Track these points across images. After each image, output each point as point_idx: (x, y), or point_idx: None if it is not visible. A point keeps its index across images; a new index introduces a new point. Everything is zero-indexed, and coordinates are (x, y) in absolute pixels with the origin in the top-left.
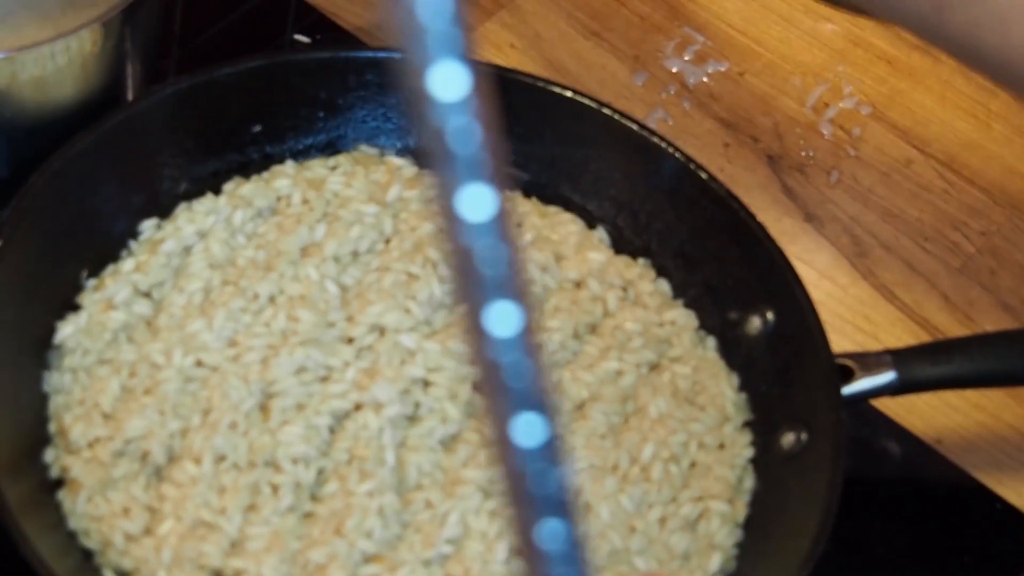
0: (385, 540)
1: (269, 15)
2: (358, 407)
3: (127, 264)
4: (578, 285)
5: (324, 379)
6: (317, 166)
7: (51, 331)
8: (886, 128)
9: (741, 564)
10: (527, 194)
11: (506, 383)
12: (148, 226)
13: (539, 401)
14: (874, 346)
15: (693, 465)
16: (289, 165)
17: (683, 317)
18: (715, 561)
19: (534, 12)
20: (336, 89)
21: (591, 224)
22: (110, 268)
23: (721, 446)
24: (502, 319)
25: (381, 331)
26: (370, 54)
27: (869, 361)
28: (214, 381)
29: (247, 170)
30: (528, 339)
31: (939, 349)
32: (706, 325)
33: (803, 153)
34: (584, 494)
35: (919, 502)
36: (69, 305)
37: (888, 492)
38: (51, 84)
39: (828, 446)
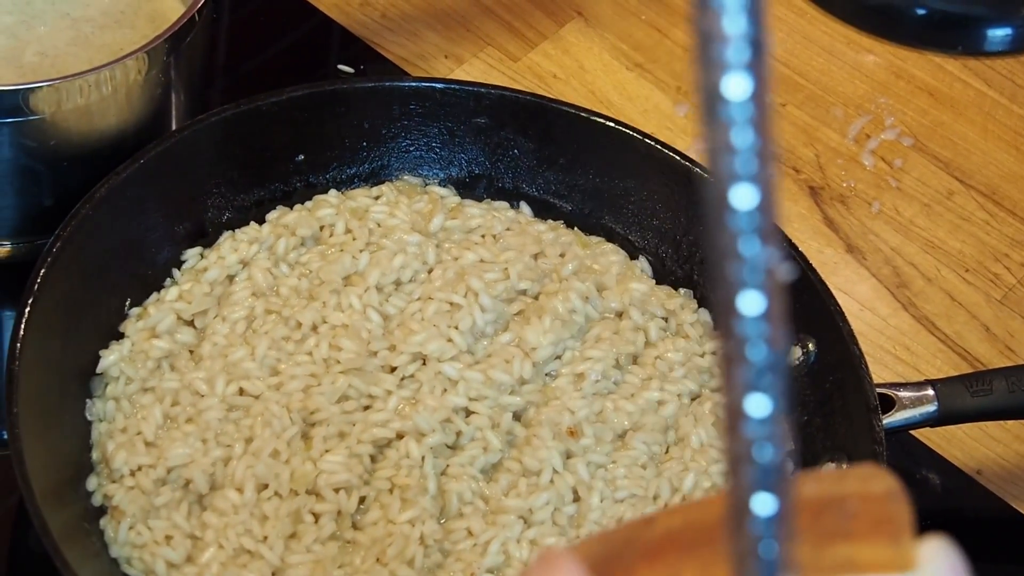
0: (426, 568)
1: (313, 45)
2: (400, 435)
3: (171, 293)
4: (620, 315)
5: (366, 408)
6: (360, 195)
7: (95, 359)
8: (928, 159)
9: None
10: (569, 224)
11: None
12: (192, 255)
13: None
14: (915, 377)
15: None
16: (332, 194)
17: None
18: None
19: (577, 43)
20: (380, 119)
21: (633, 254)
22: (153, 297)
23: None
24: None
25: (423, 360)
26: (414, 83)
27: (910, 392)
28: (256, 409)
29: (291, 199)
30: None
31: (980, 380)
32: None
33: (845, 184)
34: (625, 523)
35: (959, 533)
36: (113, 334)
37: (928, 523)
38: (96, 113)
39: None
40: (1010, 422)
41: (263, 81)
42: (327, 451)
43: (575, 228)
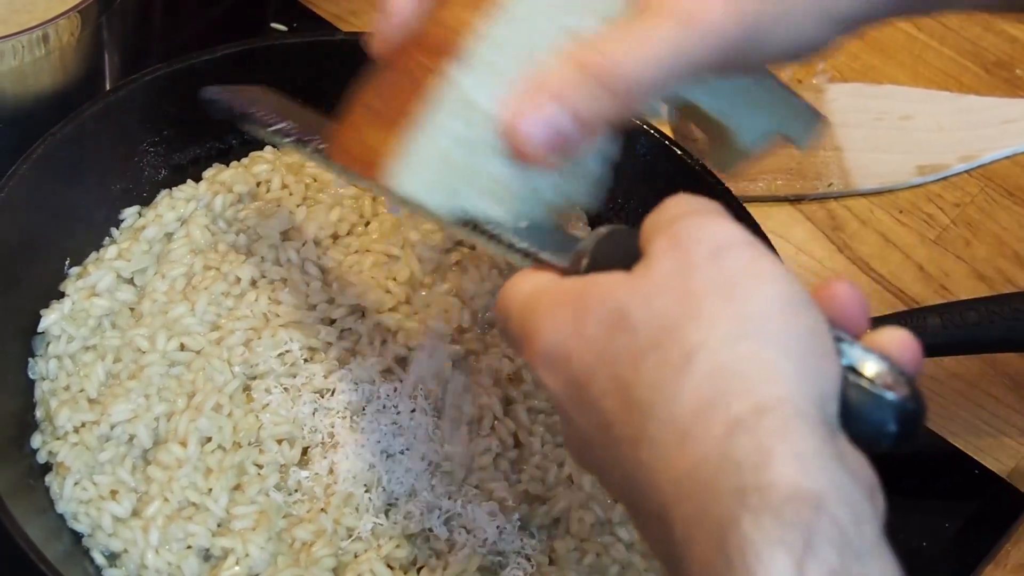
0: (371, 513)
1: (249, 6)
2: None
3: (110, 251)
4: None
5: (306, 360)
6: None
7: (36, 319)
8: None
9: None
10: None
11: None
12: (130, 213)
13: None
14: None
15: None
16: (268, 150)
17: None
18: None
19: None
20: (313, 74)
21: None
22: (93, 256)
23: None
24: None
25: (362, 312)
26: (344, 37)
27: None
28: (198, 364)
29: (227, 156)
30: None
31: (914, 317)
32: None
33: None
34: (566, 467)
35: (898, 470)
36: (53, 293)
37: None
38: (30, 75)
39: None
40: (945, 358)
41: (200, 43)
42: (268, 404)
43: None
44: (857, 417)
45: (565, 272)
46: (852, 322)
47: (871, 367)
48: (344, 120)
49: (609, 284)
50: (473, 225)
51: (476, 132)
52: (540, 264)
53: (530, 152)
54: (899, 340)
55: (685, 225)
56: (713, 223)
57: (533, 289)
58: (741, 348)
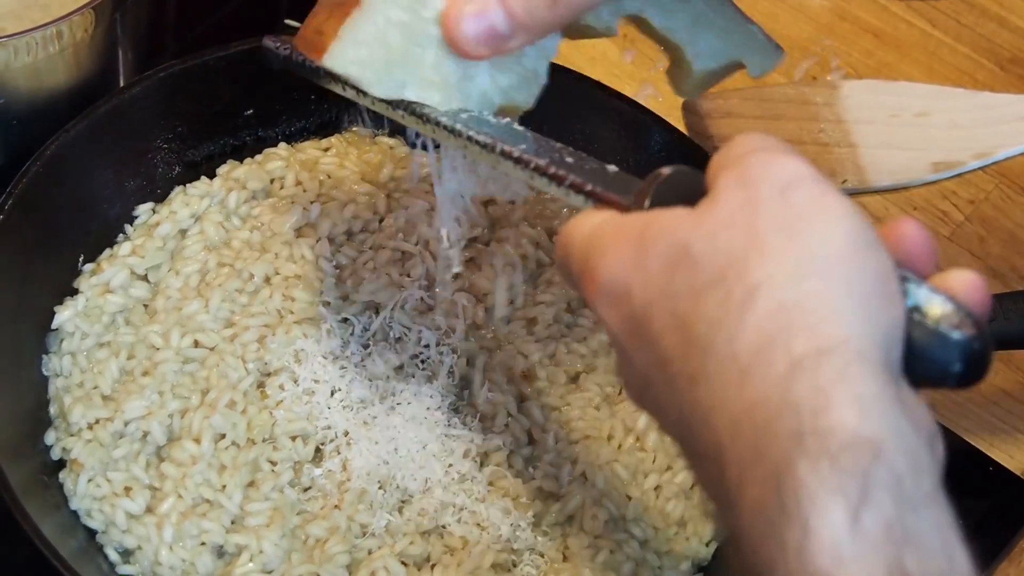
0: (385, 510)
1: (263, 6)
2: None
3: (123, 248)
4: None
5: (321, 357)
6: (310, 147)
7: (50, 316)
8: None
9: None
10: None
11: None
12: (143, 210)
13: None
14: None
15: None
16: (282, 147)
17: None
18: (710, 527)
19: None
20: None
21: None
22: (107, 252)
23: None
24: None
25: (376, 309)
26: None
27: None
28: (212, 361)
29: (241, 153)
30: None
31: None
32: None
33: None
34: (580, 464)
35: None
36: (67, 290)
37: None
38: (44, 71)
39: None
40: None
41: (214, 39)
42: (282, 400)
43: None
44: (922, 357)
45: (627, 210)
46: (918, 262)
47: (937, 307)
48: (309, 16)
49: (672, 219)
50: (411, 110)
51: (419, 22)
52: (601, 203)
53: (464, 45)
54: (966, 281)
55: (753, 162)
56: (782, 159)
57: (595, 226)
58: (805, 286)
